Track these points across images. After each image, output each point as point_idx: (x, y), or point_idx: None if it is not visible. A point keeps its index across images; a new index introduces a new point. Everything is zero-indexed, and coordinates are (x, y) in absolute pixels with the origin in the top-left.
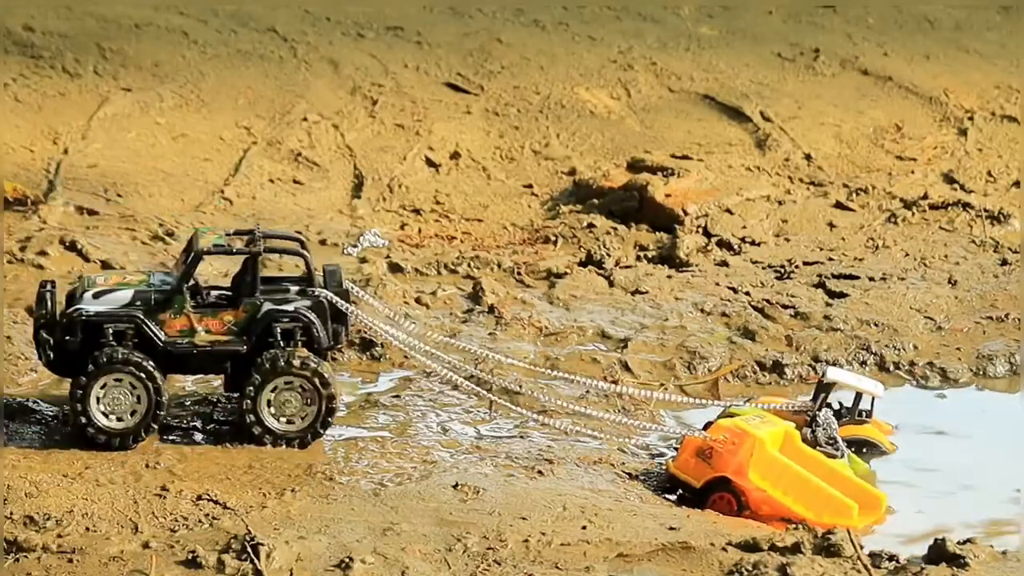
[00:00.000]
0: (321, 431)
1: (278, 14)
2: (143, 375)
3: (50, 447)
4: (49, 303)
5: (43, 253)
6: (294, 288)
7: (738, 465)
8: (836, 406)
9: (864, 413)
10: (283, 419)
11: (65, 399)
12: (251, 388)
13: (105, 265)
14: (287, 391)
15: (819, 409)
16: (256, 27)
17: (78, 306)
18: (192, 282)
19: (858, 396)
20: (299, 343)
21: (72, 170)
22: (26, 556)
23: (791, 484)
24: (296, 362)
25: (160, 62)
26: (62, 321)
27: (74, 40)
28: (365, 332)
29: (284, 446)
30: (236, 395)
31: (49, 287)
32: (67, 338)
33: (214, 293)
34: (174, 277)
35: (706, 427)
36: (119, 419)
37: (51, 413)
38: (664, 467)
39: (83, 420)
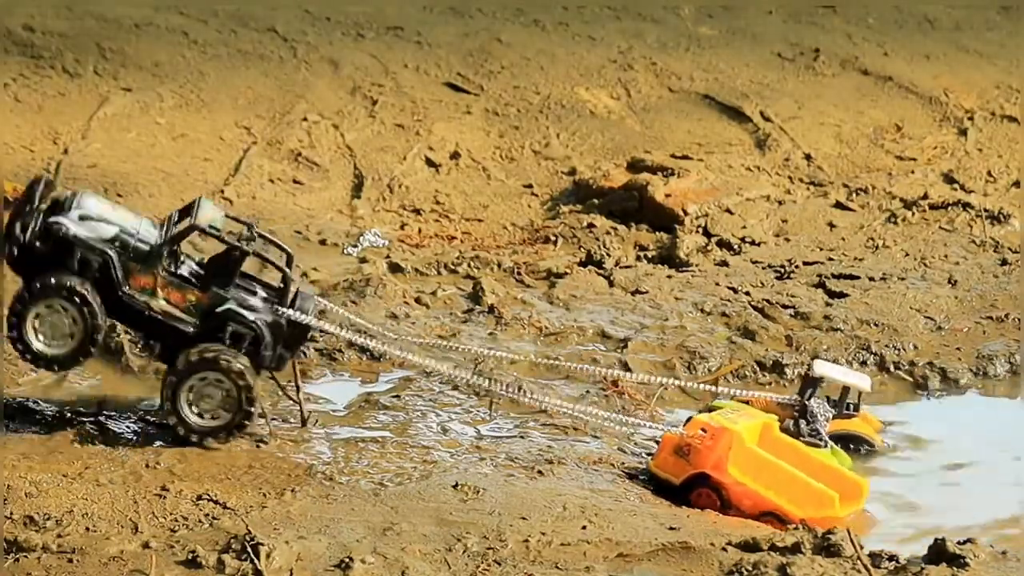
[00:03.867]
0: (235, 432)
1: (278, 14)
2: (85, 308)
3: (50, 447)
4: (36, 200)
5: None
6: (264, 296)
7: (716, 460)
8: (824, 400)
9: (851, 407)
10: (205, 415)
11: (65, 399)
12: (174, 377)
13: None
14: (205, 387)
15: (807, 401)
16: (256, 27)
17: (62, 219)
18: (175, 247)
19: (845, 390)
20: (243, 350)
21: (72, 170)
22: (26, 556)
23: (771, 477)
24: (223, 361)
25: (160, 62)
26: (40, 225)
27: (74, 40)
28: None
29: (197, 440)
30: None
31: (42, 185)
32: (37, 243)
33: (189, 264)
34: (160, 235)
35: (685, 424)
36: (48, 344)
37: (51, 413)
38: (645, 466)
39: (14, 333)
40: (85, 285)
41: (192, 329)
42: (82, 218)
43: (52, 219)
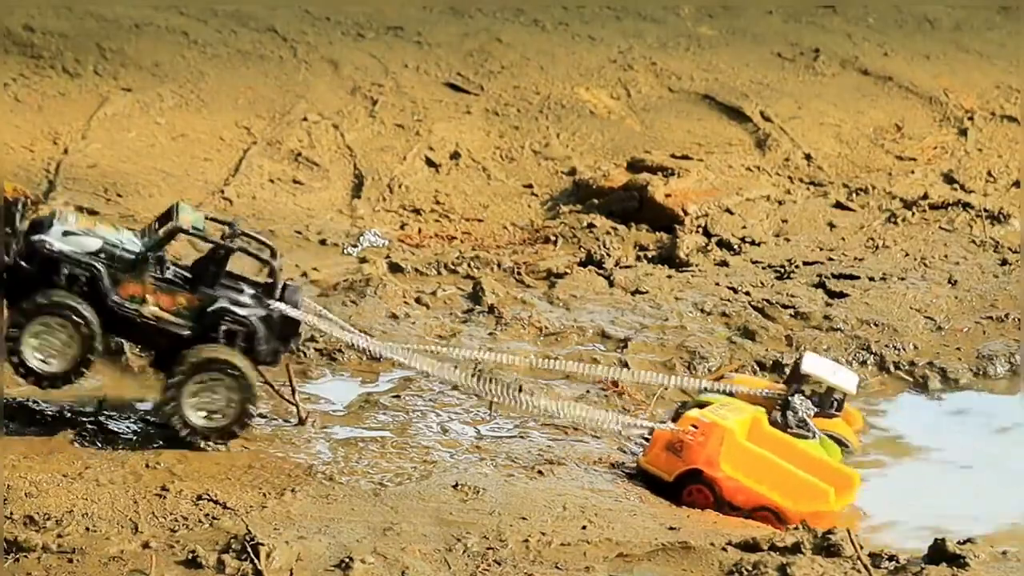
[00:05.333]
0: (239, 431)
1: (278, 14)
2: (81, 322)
3: (50, 447)
4: (17, 221)
5: None
6: (253, 293)
7: (709, 456)
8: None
9: (835, 404)
10: (206, 415)
11: (65, 399)
12: (175, 381)
13: None
14: (207, 388)
15: (790, 396)
16: (256, 27)
17: (45, 238)
18: (160, 253)
19: (829, 390)
20: (239, 347)
21: (72, 170)
22: (26, 556)
23: (764, 472)
24: (213, 357)
25: (160, 62)
26: (23, 245)
27: (74, 40)
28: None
29: (202, 441)
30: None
31: (19, 206)
32: (23, 264)
33: (175, 269)
34: (144, 242)
35: (675, 419)
36: (46, 361)
37: (51, 413)
38: (635, 463)
39: (15, 358)
40: (75, 299)
41: (186, 331)
42: (65, 234)
43: (36, 237)
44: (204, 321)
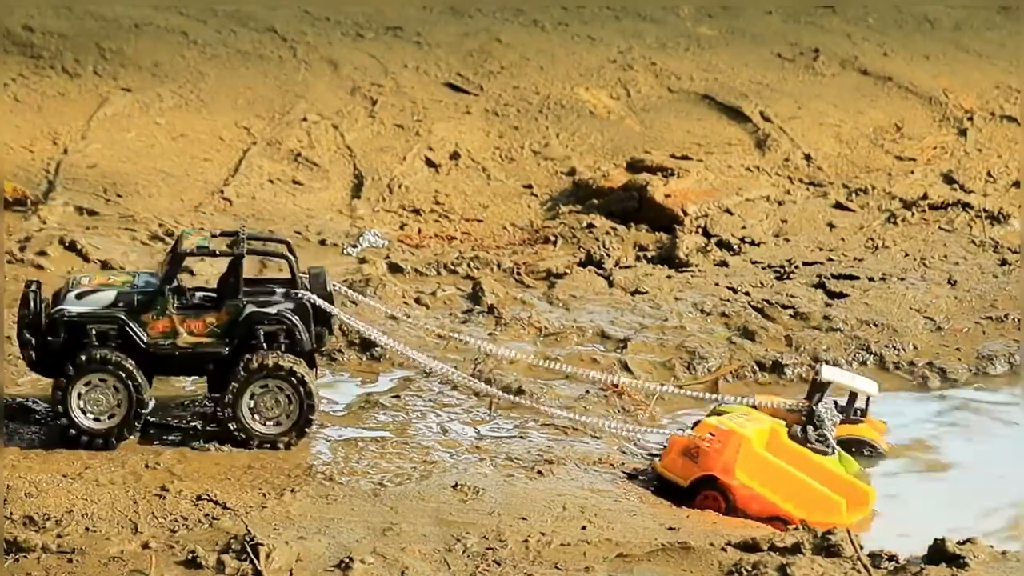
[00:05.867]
0: (304, 432)
1: (278, 14)
2: (123, 375)
3: (50, 447)
4: (32, 303)
5: (43, 253)
6: (279, 290)
7: (725, 464)
8: (831, 404)
9: (859, 412)
10: (267, 422)
11: None
12: (231, 392)
13: (104, 265)
14: (266, 394)
15: (815, 406)
16: (256, 27)
17: (61, 306)
18: (175, 283)
19: (852, 395)
20: (282, 345)
21: (72, 170)
22: (26, 556)
23: (779, 482)
24: (272, 364)
25: (160, 62)
26: (45, 321)
27: (74, 40)
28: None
29: (269, 448)
30: (217, 397)
31: (33, 287)
32: (50, 338)
33: (199, 295)
34: (157, 278)
35: (693, 426)
36: (97, 419)
37: (51, 413)
38: (651, 467)
39: (65, 420)
40: (115, 352)
41: (225, 348)
42: (79, 296)
43: (54, 311)
44: (238, 332)
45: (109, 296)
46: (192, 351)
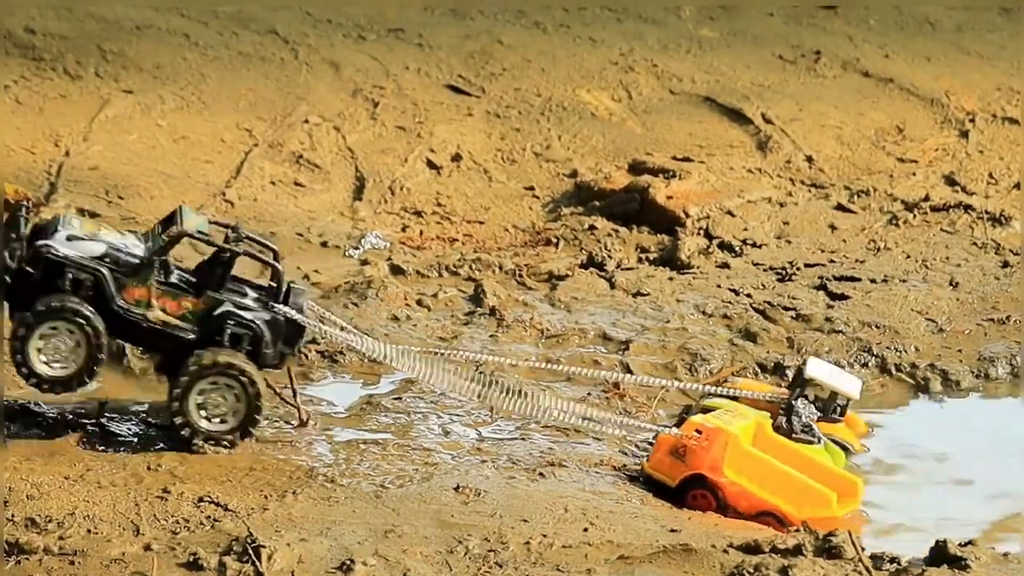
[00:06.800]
0: (249, 432)
1: (279, 16)
2: (82, 321)
3: (51, 449)
4: (21, 227)
5: None
6: (257, 296)
7: (713, 461)
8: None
9: (838, 410)
10: (213, 419)
11: (66, 401)
12: (180, 385)
13: None
14: (215, 390)
15: (794, 400)
16: (257, 29)
17: (49, 242)
18: (164, 257)
19: (832, 395)
20: (244, 351)
21: (73, 172)
22: (27, 558)
23: (767, 477)
24: (224, 362)
25: (161, 64)
26: (29, 251)
27: (75, 42)
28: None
29: (213, 445)
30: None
31: (23, 211)
32: (28, 269)
33: (178, 274)
34: (147, 247)
35: (679, 424)
36: (52, 366)
37: (52, 415)
38: (639, 467)
39: (21, 361)
40: (84, 305)
41: (192, 335)
42: (69, 238)
43: (40, 243)
44: (209, 325)
45: (99, 248)
46: (159, 328)
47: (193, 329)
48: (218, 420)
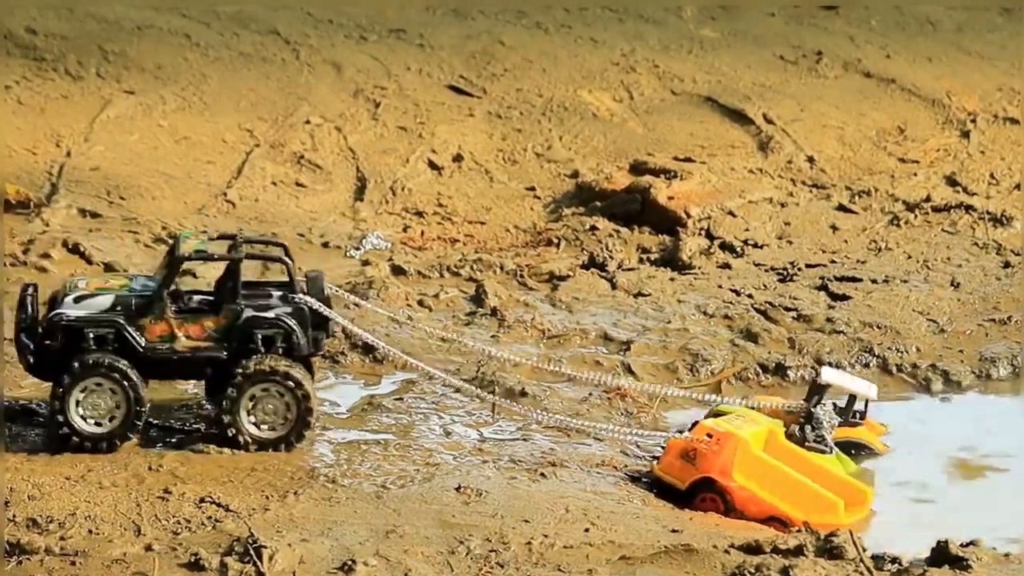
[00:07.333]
0: (303, 435)
1: (280, 16)
2: (122, 379)
3: (52, 450)
4: (30, 307)
5: (46, 256)
6: (276, 294)
7: (723, 466)
8: (830, 407)
9: (858, 415)
10: (264, 426)
11: None
12: (229, 397)
13: (108, 268)
14: (264, 398)
15: (814, 408)
16: (258, 29)
17: (59, 310)
18: (173, 287)
19: (851, 398)
20: (279, 350)
21: (75, 172)
22: (28, 559)
23: (776, 483)
24: (269, 368)
25: (162, 64)
26: (43, 325)
27: (76, 42)
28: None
29: (269, 451)
30: (215, 401)
31: (30, 291)
32: (47, 342)
33: (197, 298)
34: (155, 282)
35: (691, 428)
36: (98, 423)
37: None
38: (649, 469)
39: (62, 422)
40: (114, 357)
41: (224, 353)
42: (77, 300)
43: (52, 313)
44: (236, 336)
45: (107, 300)
46: (190, 355)
47: (223, 345)
48: (268, 427)
